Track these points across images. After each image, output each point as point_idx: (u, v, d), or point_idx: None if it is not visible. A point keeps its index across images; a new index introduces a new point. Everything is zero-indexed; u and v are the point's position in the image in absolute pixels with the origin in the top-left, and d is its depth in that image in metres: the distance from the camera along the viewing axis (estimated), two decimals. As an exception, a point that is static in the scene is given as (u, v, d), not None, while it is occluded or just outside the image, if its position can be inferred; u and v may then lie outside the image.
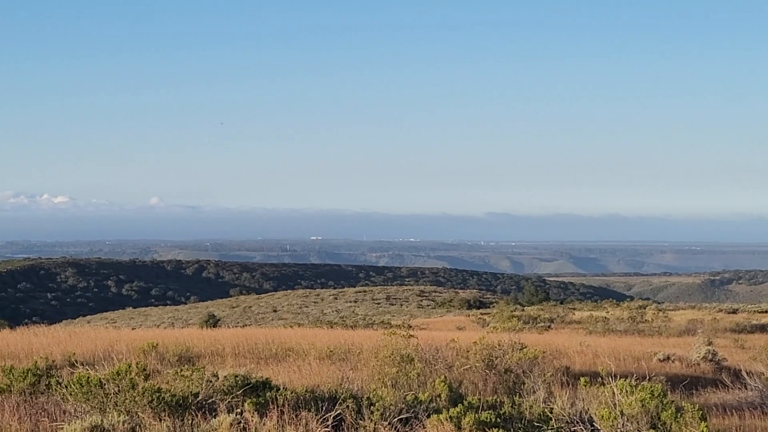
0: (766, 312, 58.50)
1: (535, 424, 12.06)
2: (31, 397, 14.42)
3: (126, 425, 12.28)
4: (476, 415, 11.77)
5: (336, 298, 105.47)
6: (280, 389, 13.42)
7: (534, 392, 14.46)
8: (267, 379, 13.98)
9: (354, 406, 12.55)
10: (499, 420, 11.86)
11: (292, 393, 13.15)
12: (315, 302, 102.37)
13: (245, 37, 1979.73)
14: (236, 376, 13.71)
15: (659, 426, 11.65)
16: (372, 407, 12.46)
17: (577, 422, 12.01)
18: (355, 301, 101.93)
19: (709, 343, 27.24)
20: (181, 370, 14.16)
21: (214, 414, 12.81)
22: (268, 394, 13.12)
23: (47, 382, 14.84)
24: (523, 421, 12.14)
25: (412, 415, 12.55)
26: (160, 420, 12.32)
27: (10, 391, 14.61)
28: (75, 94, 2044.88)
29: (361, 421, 12.29)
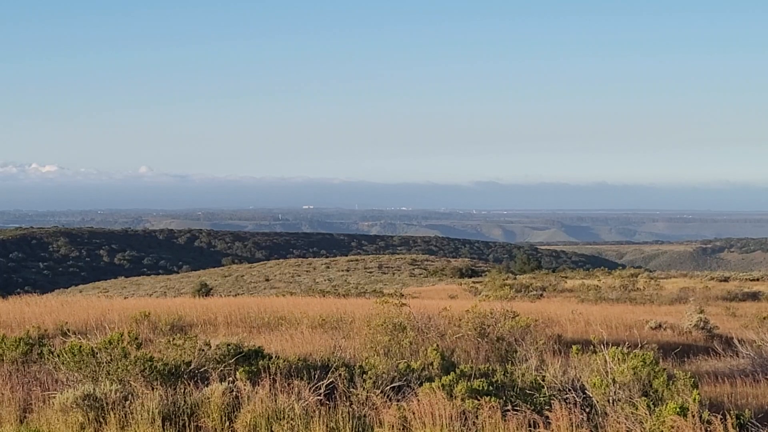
0: (757, 280, 58.64)
1: (528, 391, 12.08)
2: (24, 366, 14.41)
3: (118, 394, 12.28)
4: (468, 383, 11.78)
5: (328, 267, 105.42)
6: (272, 358, 13.43)
7: (526, 360, 14.47)
8: (259, 347, 13.98)
9: (346, 375, 12.55)
10: (491, 388, 11.87)
11: (284, 361, 13.16)
12: (307, 271, 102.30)
13: (229, 2, 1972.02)
14: (228, 345, 13.71)
15: (651, 393, 11.67)
16: (364, 375, 12.47)
17: (569, 390, 12.02)
18: (348, 270, 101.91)
19: (701, 311, 27.29)
20: (174, 339, 14.17)
21: (206, 383, 12.82)
22: (260, 362, 13.12)
23: (39, 351, 14.82)
24: (515, 389, 12.15)
25: (405, 383, 12.56)
26: (153, 389, 12.32)
27: (2, 360, 14.60)
28: (61, 63, 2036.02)
29: (353, 390, 12.30)
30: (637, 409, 11.13)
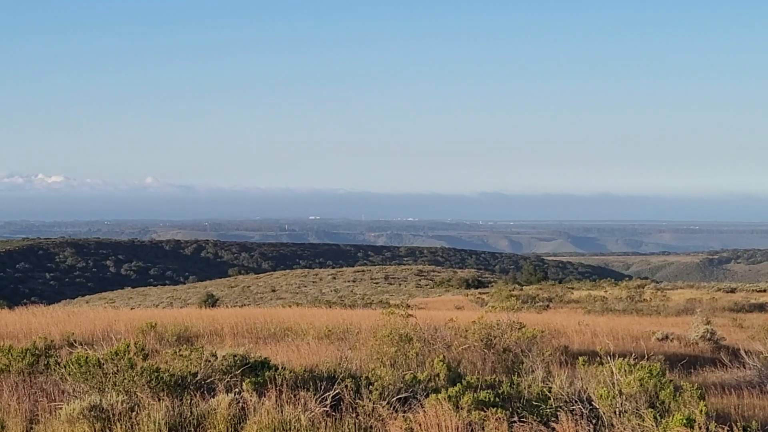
0: (764, 291, 58.50)
1: (534, 403, 12.06)
2: (30, 377, 14.41)
3: (124, 405, 12.28)
4: (475, 395, 11.77)
5: (334, 278, 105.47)
6: (278, 369, 13.42)
7: (532, 371, 14.46)
8: (265, 358, 13.98)
9: (353, 386, 12.54)
10: (497, 399, 11.86)
11: (290, 372, 13.15)
12: (313, 282, 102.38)
13: (235, 14, 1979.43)
14: (235, 356, 13.70)
15: (658, 405, 11.65)
16: (371, 387, 12.46)
17: (576, 401, 12.01)
18: (354, 281, 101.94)
19: (708, 323, 27.25)
20: (180, 349, 14.16)
21: (212, 394, 12.81)
22: (266, 373, 13.12)
23: (46, 362, 14.82)
24: (521, 401, 12.13)
25: (411, 394, 12.54)
26: (159, 400, 12.32)
27: (9, 371, 14.60)
28: (66, 74, 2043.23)
29: (359, 401, 12.29)
30: (643, 420, 11.11)
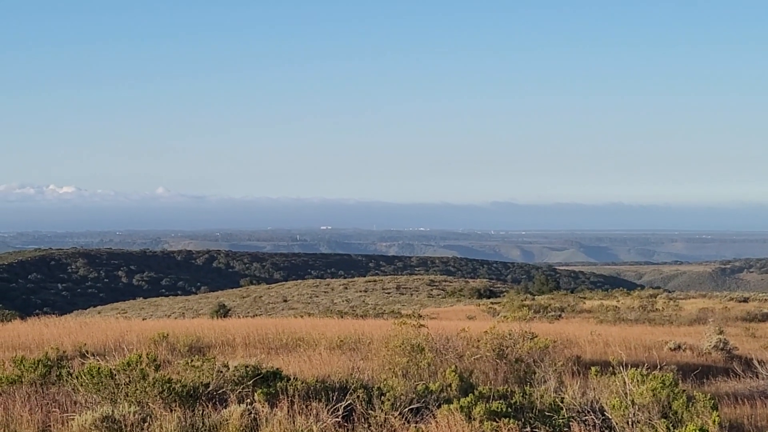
0: (777, 300, 58.25)
1: (546, 413, 12.03)
2: (42, 388, 14.42)
3: (137, 416, 12.29)
4: (487, 405, 11.75)
5: (346, 288, 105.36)
6: (290, 379, 13.42)
7: (545, 382, 14.43)
8: (277, 369, 13.98)
9: (364, 396, 12.54)
10: (510, 410, 11.83)
11: (302, 383, 13.14)
12: (325, 292, 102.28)
13: (246, 26, 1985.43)
14: (247, 367, 13.70)
15: (670, 415, 11.61)
16: (383, 397, 12.45)
17: (588, 412, 11.98)
18: (365, 291, 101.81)
19: (720, 332, 27.15)
20: (192, 360, 14.17)
21: (224, 404, 12.82)
22: (278, 384, 13.11)
23: (58, 373, 14.84)
24: (534, 411, 12.11)
25: (423, 405, 12.53)
26: (171, 410, 12.33)
27: (21, 381, 14.62)
28: (77, 85, 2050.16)
29: (371, 411, 12.28)
30: (656, 431, 11.08)
